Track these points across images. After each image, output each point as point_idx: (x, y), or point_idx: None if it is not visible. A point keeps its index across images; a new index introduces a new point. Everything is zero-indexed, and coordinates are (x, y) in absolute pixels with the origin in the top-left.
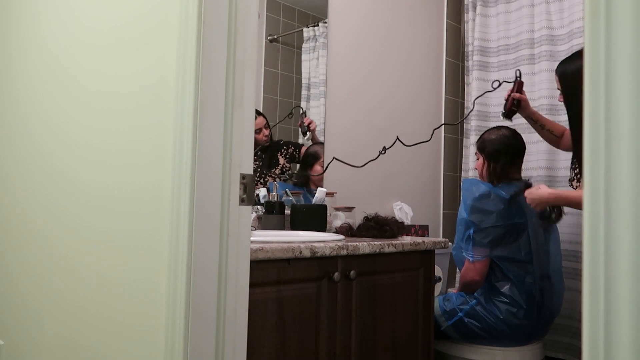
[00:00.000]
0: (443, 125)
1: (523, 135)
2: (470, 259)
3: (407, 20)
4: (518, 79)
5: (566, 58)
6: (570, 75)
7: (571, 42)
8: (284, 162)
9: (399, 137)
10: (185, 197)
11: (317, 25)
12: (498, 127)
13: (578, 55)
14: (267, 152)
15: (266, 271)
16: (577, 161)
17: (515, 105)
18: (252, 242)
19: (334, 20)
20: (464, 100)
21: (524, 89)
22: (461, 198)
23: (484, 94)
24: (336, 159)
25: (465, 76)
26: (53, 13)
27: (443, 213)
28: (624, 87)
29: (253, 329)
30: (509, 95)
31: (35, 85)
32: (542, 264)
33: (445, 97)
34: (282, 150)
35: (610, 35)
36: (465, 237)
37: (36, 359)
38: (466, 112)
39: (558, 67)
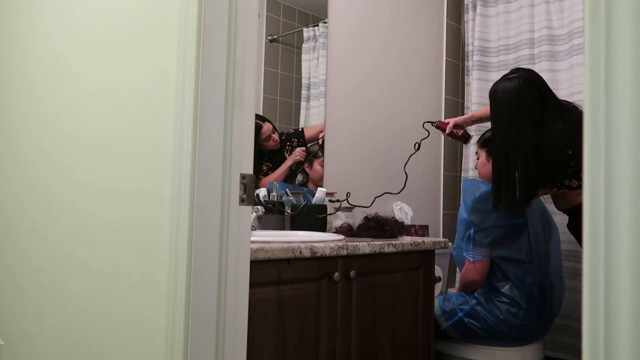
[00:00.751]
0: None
1: None
2: (471, 259)
3: (407, 20)
4: (434, 126)
5: (499, 79)
6: (498, 98)
7: (571, 42)
8: (276, 136)
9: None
10: (185, 197)
11: (317, 25)
12: None
13: (504, 78)
14: (275, 155)
15: (266, 271)
16: (495, 185)
17: (460, 128)
18: (252, 242)
19: (334, 20)
20: (463, 100)
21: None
22: (461, 198)
23: (410, 157)
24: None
25: (465, 76)
26: (53, 13)
27: (443, 213)
28: (624, 87)
29: (253, 329)
30: (448, 135)
31: (36, 85)
32: (542, 264)
33: (445, 97)
34: (287, 148)
35: (610, 35)
36: (465, 237)
37: (36, 358)
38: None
39: (492, 87)
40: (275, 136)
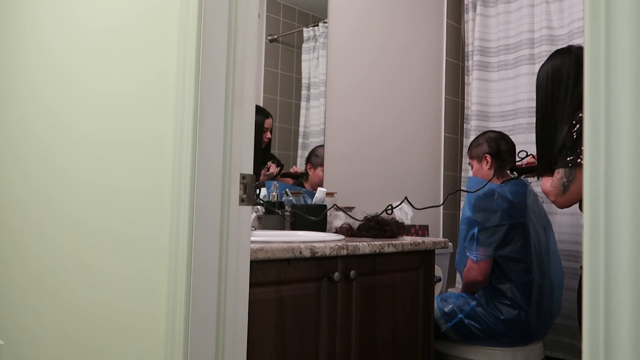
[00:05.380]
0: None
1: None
2: (474, 258)
3: (407, 20)
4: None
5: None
6: (539, 77)
7: (571, 42)
8: (275, 169)
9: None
10: (185, 197)
11: (317, 25)
12: (484, 132)
13: (551, 56)
14: (260, 153)
15: (266, 271)
16: (539, 153)
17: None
18: (252, 242)
19: (334, 20)
20: (463, 100)
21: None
22: (466, 197)
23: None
24: (337, 206)
25: (465, 76)
26: (54, 13)
27: (443, 213)
28: (624, 87)
29: (253, 329)
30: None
31: (36, 85)
32: (542, 264)
33: (445, 97)
34: (275, 160)
35: (610, 35)
36: (469, 236)
37: (36, 358)
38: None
39: None
40: (269, 135)
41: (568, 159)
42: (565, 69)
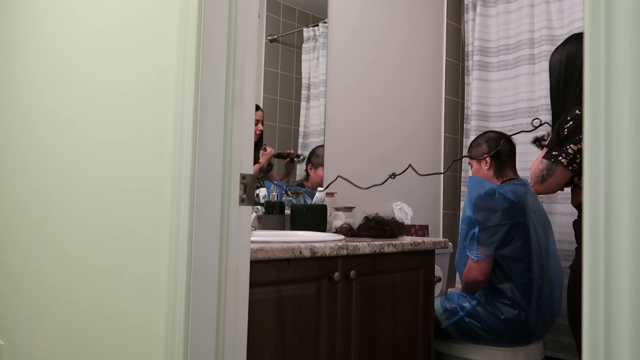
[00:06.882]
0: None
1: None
2: (475, 258)
3: (408, 20)
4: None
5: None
6: (553, 61)
7: None
8: (270, 149)
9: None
10: (185, 197)
11: (317, 25)
12: (484, 132)
13: (567, 40)
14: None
15: (266, 271)
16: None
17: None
18: (252, 242)
19: (334, 20)
20: (463, 100)
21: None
22: (466, 196)
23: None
24: (341, 177)
25: (465, 76)
26: (53, 12)
27: (443, 213)
28: (624, 87)
29: (253, 329)
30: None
31: (36, 85)
32: (542, 264)
33: (445, 97)
34: (263, 148)
35: (610, 35)
36: (469, 236)
37: (36, 358)
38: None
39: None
40: (260, 127)
41: (553, 152)
42: (580, 58)
